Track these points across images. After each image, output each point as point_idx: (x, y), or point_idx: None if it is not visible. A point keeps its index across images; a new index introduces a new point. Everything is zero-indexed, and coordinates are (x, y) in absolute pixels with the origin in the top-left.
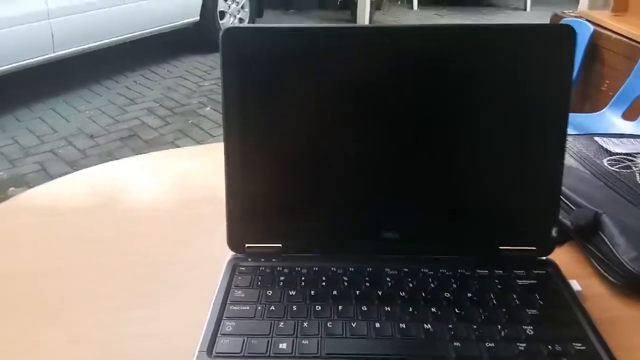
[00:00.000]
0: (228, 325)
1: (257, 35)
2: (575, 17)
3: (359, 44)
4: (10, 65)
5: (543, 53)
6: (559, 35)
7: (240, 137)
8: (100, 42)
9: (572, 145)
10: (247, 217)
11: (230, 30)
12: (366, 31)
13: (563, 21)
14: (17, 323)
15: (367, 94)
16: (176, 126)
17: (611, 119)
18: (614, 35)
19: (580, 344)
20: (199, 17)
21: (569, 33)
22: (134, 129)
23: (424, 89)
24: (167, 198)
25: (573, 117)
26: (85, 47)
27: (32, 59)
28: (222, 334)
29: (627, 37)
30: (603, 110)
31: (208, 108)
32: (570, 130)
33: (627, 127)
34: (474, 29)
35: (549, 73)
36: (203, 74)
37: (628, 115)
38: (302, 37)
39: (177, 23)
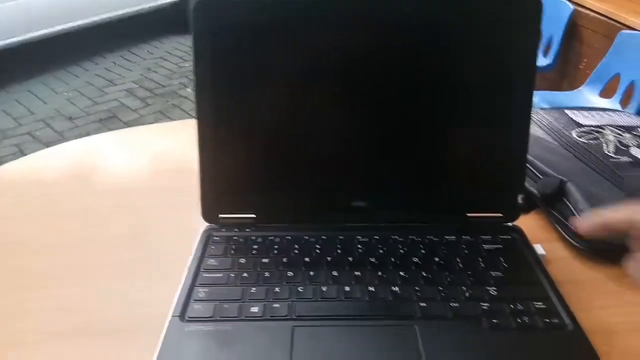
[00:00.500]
0: (201, 292)
1: (230, 7)
2: None
3: (329, 15)
4: None
5: (509, 17)
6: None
7: (213, 109)
8: (78, 23)
9: (543, 118)
10: (220, 188)
11: (203, 2)
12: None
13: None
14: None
15: (335, 65)
16: (156, 107)
17: (588, 97)
18: (593, 14)
19: (541, 303)
20: None
21: None
22: (113, 110)
23: (390, 57)
24: (142, 172)
25: (551, 95)
26: (62, 27)
27: (8, 39)
28: (195, 300)
29: (605, 16)
30: (580, 87)
31: (189, 89)
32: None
33: (604, 104)
34: None
35: (515, 39)
36: (184, 55)
37: (605, 93)
38: (274, 9)
39: (157, 3)
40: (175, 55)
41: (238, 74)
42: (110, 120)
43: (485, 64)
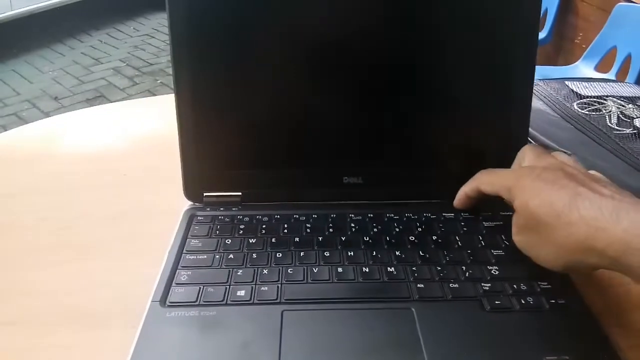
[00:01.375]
0: (183, 275)
1: None
2: None
3: None
4: None
5: None
6: None
7: (193, 81)
8: None
9: (543, 89)
10: (204, 164)
11: None
12: None
13: None
14: None
15: (324, 35)
16: (144, 86)
17: (584, 72)
18: None
19: (545, 283)
20: None
21: None
22: (101, 89)
23: (384, 28)
24: (123, 148)
25: (547, 69)
26: (45, 4)
27: None
28: (177, 284)
29: None
30: (576, 62)
31: None
32: None
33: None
34: None
35: (515, 4)
36: None
37: (601, 67)
38: None
39: None
40: (163, 32)
41: (219, 44)
42: (97, 100)
43: (483, 33)
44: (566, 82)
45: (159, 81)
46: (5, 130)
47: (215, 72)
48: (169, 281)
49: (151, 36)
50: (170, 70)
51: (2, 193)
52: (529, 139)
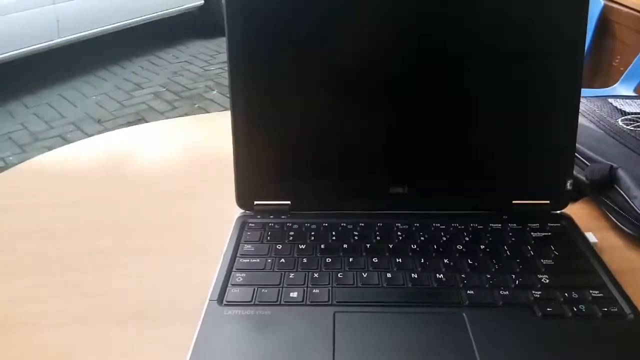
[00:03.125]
0: (238, 277)
1: None
2: None
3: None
4: (16, 52)
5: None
6: None
7: (247, 94)
8: (106, 27)
9: (586, 106)
10: (255, 174)
11: None
12: None
13: None
14: (37, 277)
15: (373, 49)
16: (183, 110)
17: (623, 94)
18: (625, 9)
19: (597, 292)
20: (203, 1)
21: None
22: (141, 113)
23: (431, 40)
24: (176, 162)
25: (584, 92)
26: (90, 32)
27: (38, 44)
28: (233, 284)
29: (638, 11)
30: (614, 85)
31: (215, 92)
32: None
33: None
34: None
35: (562, 22)
36: (209, 59)
37: None
38: None
39: (182, 7)
40: (201, 59)
41: (271, 65)
42: (138, 123)
43: (532, 47)
44: (609, 100)
45: (196, 105)
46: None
47: (267, 91)
48: (225, 282)
49: (190, 63)
50: (206, 95)
51: (65, 202)
52: (576, 154)
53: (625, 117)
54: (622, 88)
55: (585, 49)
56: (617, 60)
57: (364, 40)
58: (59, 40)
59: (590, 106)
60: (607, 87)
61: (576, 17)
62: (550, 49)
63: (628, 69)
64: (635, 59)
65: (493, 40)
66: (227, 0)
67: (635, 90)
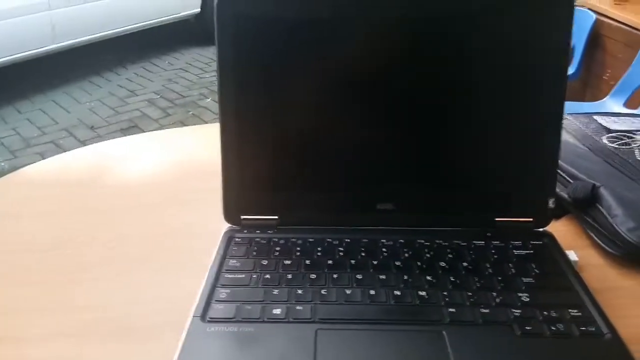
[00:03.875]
0: (222, 292)
1: (254, 2)
2: (577, 5)
3: (355, 11)
4: (10, 57)
5: (540, 16)
6: None
7: (235, 109)
8: (101, 34)
9: (572, 123)
10: (243, 189)
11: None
12: None
13: None
14: (24, 290)
15: (361, 65)
16: (177, 117)
17: (613, 108)
18: (616, 24)
19: (576, 310)
20: (199, 9)
21: None
22: (135, 120)
23: (420, 57)
24: (165, 173)
25: (575, 105)
26: (85, 38)
27: (33, 50)
28: (216, 301)
29: (628, 26)
30: (604, 99)
31: (209, 99)
32: None
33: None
34: None
35: (545, 39)
36: (204, 66)
37: (630, 104)
38: (300, 5)
39: (178, 15)
40: (196, 67)
41: (262, 75)
42: (131, 130)
43: (515, 65)
44: (594, 117)
45: (190, 112)
46: (43, 157)
47: (256, 106)
48: (209, 298)
49: (185, 70)
50: (201, 103)
51: (49, 212)
52: (558, 170)
53: (610, 134)
54: (612, 102)
55: (577, 62)
56: (607, 74)
57: (354, 57)
58: (54, 46)
59: (576, 123)
60: (598, 100)
61: (560, 35)
62: (534, 67)
63: (618, 83)
64: (626, 73)
65: (477, 59)
66: (217, 13)
67: (625, 104)
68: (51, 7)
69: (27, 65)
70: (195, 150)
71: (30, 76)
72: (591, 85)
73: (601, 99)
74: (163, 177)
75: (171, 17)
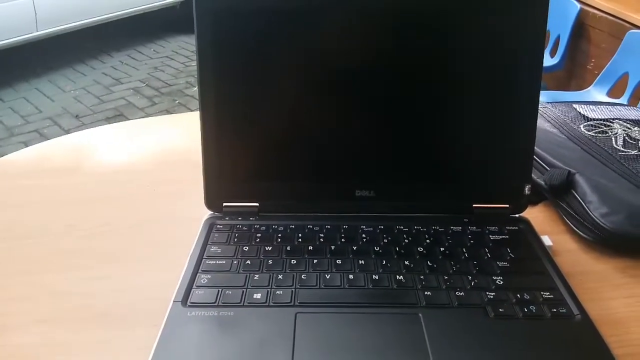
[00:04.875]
0: (203, 278)
1: None
2: None
3: (332, 3)
4: None
5: (516, 4)
6: None
7: (216, 98)
8: (85, 21)
9: (550, 111)
10: (224, 176)
11: None
12: None
13: None
14: (1, 278)
15: (339, 54)
16: (163, 106)
17: (596, 97)
18: (600, 14)
19: (548, 293)
20: None
21: None
22: (120, 109)
23: (396, 46)
24: (148, 162)
25: (559, 94)
26: (69, 25)
27: (15, 37)
28: (197, 286)
29: (613, 15)
30: (588, 88)
31: (195, 88)
32: None
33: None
34: None
35: (521, 26)
36: (190, 54)
37: (613, 93)
38: None
39: (164, 2)
40: (182, 55)
41: (241, 66)
42: (117, 119)
43: (491, 53)
44: (574, 105)
45: (176, 101)
46: (27, 146)
47: (236, 94)
48: (190, 283)
49: (170, 58)
50: (187, 91)
51: (32, 201)
52: (536, 157)
53: (588, 122)
54: (595, 91)
55: (561, 52)
56: (592, 64)
57: (332, 47)
58: (37, 33)
59: (555, 112)
60: (582, 89)
61: (536, 23)
62: (509, 55)
63: (602, 72)
64: (609, 62)
65: (452, 48)
66: (196, 3)
67: (608, 93)
68: None
69: (10, 53)
70: (178, 138)
71: (13, 64)
72: (575, 75)
73: (585, 88)
74: (145, 166)
75: (156, 4)
